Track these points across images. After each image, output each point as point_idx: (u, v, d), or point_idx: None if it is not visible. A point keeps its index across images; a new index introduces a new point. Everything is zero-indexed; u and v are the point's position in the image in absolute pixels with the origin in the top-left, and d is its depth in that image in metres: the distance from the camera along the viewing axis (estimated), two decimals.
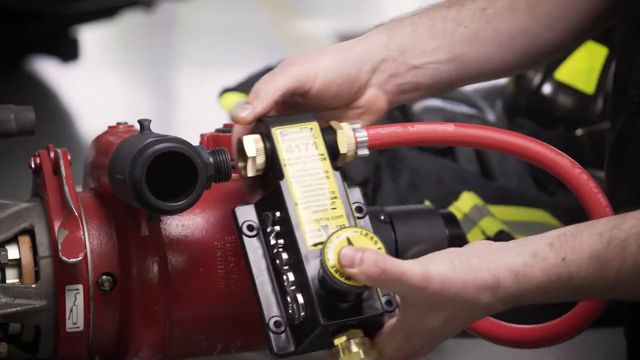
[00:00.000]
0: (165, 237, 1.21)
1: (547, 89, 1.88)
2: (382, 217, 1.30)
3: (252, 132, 1.16)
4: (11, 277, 1.19)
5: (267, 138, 1.14)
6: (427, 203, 1.62)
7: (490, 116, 1.97)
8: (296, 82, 1.16)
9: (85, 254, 1.18)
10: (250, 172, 1.13)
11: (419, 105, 1.94)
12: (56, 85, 2.84)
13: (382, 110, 1.23)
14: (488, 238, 1.62)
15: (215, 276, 1.19)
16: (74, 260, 1.16)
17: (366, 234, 1.05)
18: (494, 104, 2.00)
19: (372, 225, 1.30)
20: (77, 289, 1.18)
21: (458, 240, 1.32)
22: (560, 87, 1.87)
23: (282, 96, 1.16)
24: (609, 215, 1.14)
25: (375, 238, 1.05)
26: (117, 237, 1.20)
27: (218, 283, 1.20)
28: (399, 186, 1.77)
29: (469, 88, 2.04)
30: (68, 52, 2.80)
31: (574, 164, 1.16)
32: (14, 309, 1.17)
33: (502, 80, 2.03)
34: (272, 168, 1.13)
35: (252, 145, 1.13)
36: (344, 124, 1.16)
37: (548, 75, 1.88)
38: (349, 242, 1.04)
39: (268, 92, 1.15)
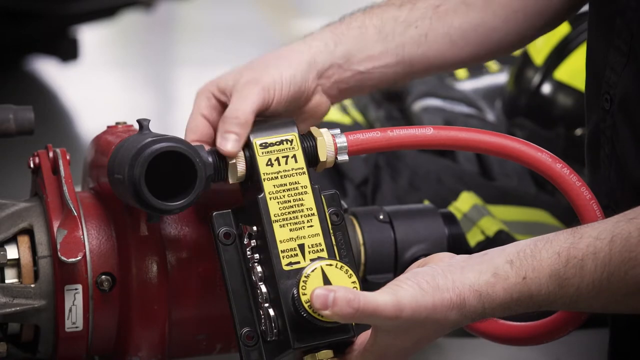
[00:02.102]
0: (165, 237, 1.20)
1: (546, 88, 1.88)
2: (382, 217, 1.30)
3: None
4: (10, 277, 1.19)
5: (247, 147, 1.14)
6: (426, 203, 1.63)
7: (490, 116, 1.97)
8: (262, 100, 1.16)
9: (85, 253, 1.18)
10: (232, 180, 1.14)
11: (418, 105, 1.94)
12: (55, 85, 2.84)
13: (325, 113, 1.24)
14: (487, 238, 1.62)
15: (215, 276, 1.19)
16: (73, 260, 1.15)
17: (341, 267, 1.06)
18: (494, 104, 2.00)
19: (372, 225, 1.30)
20: (76, 289, 1.18)
21: (457, 239, 1.32)
22: (560, 86, 1.87)
23: (255, 115, 1.16)
24: (595, 210, 1.14)
25: (350, 271, 1.06)
26: (117, 237, 1.20)
27: (217, 283, 1.19)
28: (398, 186, 1.77)
29: (468, 88, 2.04)
30: (67, 51, 2.80)
31: (555, 159, 1.16)
32: (13, 309, 1.17)
33: (502, 80, 2.03)
34: (252, 177, 1.13)
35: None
36: (323, 130, 1.16)
37: (547, 75, 1.88)
38: (324, 275, 1.05)
39: (247, 118, 1.14)
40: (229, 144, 1.13)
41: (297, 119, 1.21)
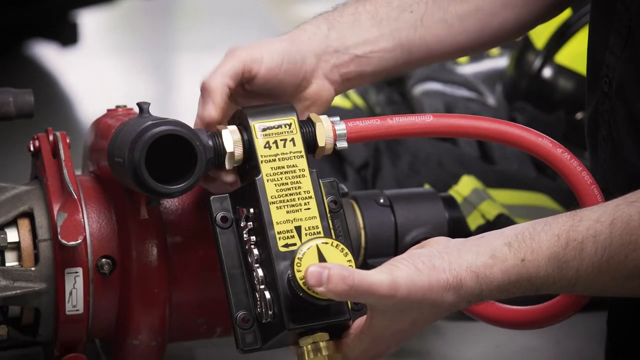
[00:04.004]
0: (165, 220, 1.20)
1: (547, 72, 1.88)
2: (382, 201, 1.30)
3: (230, 122, 1.16)
4: (11, 260, 1.19)
5: (245, 130, 1.13)
6: (427, 186, 1.63)
7: (491, 100, 1.96)
8: (242, 64, 1.16)
9: (85, 237, 1.18)
10: (228, 165, 1.13)
11: (418, 89, 1.94)
12: (55, 70, 2.83)
13: (329, 101, 1.23)
14: (488, 221, 1.61)
15: (215, 260, 1.19)
16: (74, 243, 1.16)
17: (336, 245, 1.05)
18: (494, 88, 2.00)
19: (372, 209, 1.30)
20: (76, 272, 1.18)
21: (458, 223, 1.32)
22: (561, 70, 1.86)
23: (232, 80, 1.16)
24: (596, 194, 1.14)
25: (346, 250, 1.06)
26: (117, 220, 1.20)
27: (217, 266, 1.19)
28: (398, 170, 1.77)
29: (469, 72, 2.04)
30: (67, 36, 2.79)
31: (555, 144, 1.16)
32: (13, 292, 1.17)
33: (503, 64, 2.03)
34: (250, 160, 1.13)
35: (230, 138, 1.13)
36: (323, 117, 1.16)
37: (548, 59, 1.88)
38: (319, 253, 1.04)
39: (217, 82, 1.15)
40: (205, 111, 1.14)
41: (300, 106, 1.20)
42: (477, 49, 1.31)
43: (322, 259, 1.05)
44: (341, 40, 1.22)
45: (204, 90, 1.16)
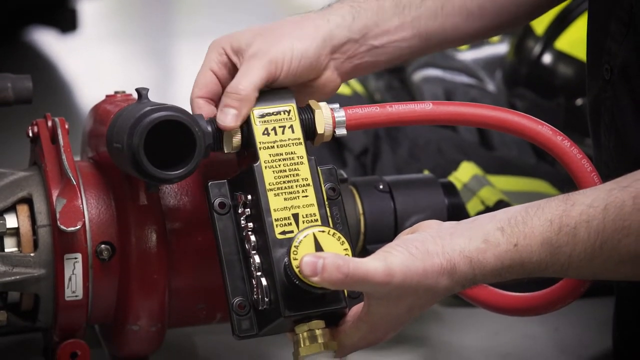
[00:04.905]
0: (164, 206, 1.20)
1: (547, 58, 1.88)
2: (381, 187, 1.30)
3: None
4: (10, 246, 1.19)
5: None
6: (426, 173, 1.62)
7: (490, 86, 1.96)
8: (268, 74, 1.14)
9: (84, 222, 1.18)
10: (227, 149, 1.13)
11: (418, 75, 1.94)
12: (54, 56, 2.82)
13: (334, 91, 1.22)
14: (487, 207, 1.61)
15: (214, 244, 1.19)
16: (73, 229, 1.15)
17: (333, 234, 1.05)
18: (494, 74, 1.99)
19: (371, 195, 1.30)
20: (75, 258, 1.18)
21: (457, 209, 1.32)
22: (561, 56, 1.86)
23: (258, 91, 1.14)
24: (595, 182, 1.14)
25: (343, 238, 1.05)
26: (116, 206, 1.20)
27: (216, 251, 1.19)
28: (398, 156, 1.77)
29: (468, 58, 2.03)
30: (67, 22, 2.78)
31: (555, 132, 1.16)
32: (12, 278, 1.17)
33: (502, 50, 2.02)
34: (248, 146, 1.13)
35: None
36: (322, 104, 1.15)
37: (548, 45, 1.87)
38: (316, 242, 1.04)
39: (249, 92, 1.13)
40: (227, 118, 1.12)
41: (304, 93, 1.19)
42: (488, 35, 1.31)
43: (318, 247, 1.04)
44: (363, 32, 1.21)
45: (235, 95, 1.13)
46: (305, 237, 1.05)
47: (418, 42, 1.24)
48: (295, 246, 1.04)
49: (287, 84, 1.17)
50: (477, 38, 1.30)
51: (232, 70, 1.17)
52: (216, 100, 1.17)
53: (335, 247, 1.05)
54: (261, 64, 1.14)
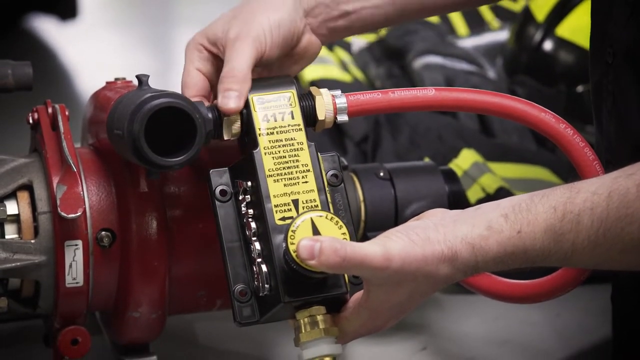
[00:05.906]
0: (164, 193, 1.20)
1: (548, 45, 1.87)
2: (382, 174, 1.30)
3: None
4: (10, 233, 1.19)
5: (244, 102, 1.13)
6: (427, 160, 1.62)
7: (491, 73, 1.96)
8: (255, 51, 1.14)
9: (84, 209, 1.18)
10: (227, 136, 1.13)
11: (418, 63, 1.93)
12: (54, 43, 2.82)
13: (316, 53, 1.22)
14: (488, 195, 1.61)
15: (215, 232, 1.19)
16: (73, 215, 1.15)
17: (331, 218, 1.05)
18: (495, 61, 1.99)
19: (372, 182, 1.30)
20: (76, 245, 1.18)
21: (458, 197, 1.32)
22: (562, 43, 1.86)
23: (252, 70, 1.14)
24: (598, 171, 1.14)
25: (340, 222, 1.05)
26: (116, 193, 1.20)
27: (217, 239, 1.19)
28: (398, 143, 1.77)
29: (469, 45, 2.03)
30: (66, 10, 2.78)
31: (558, 120, 1.15)
32: (13, 264, 1.17)
33: (503, 37, 2.02)
34: (248, 133, 1.13)
35: None
36: (323, 90, 1.15)
37: (549, 32, 1.87)
38: (314, 226, 1.04)
39: (245, 72, 1.13)
40: (230, 101, 1.12)
41: (289, 62, 1.19)
42: (470, 4, 1.30)
43: (316, 232, 1.04)
44: None
45: (232, 77, 1.13)
46: (302, 221, 1.04)
47: (393, 10, 1.23)
48: (292, 231, 1.04)
49: (274, 57, 1.17)
50: (457, 7, 1.28)
51: (215, 63, 1.18)
52: (208, 97, 1.17)
53: (333, 232, 1.04)
54: (247, 43, 1.14)
